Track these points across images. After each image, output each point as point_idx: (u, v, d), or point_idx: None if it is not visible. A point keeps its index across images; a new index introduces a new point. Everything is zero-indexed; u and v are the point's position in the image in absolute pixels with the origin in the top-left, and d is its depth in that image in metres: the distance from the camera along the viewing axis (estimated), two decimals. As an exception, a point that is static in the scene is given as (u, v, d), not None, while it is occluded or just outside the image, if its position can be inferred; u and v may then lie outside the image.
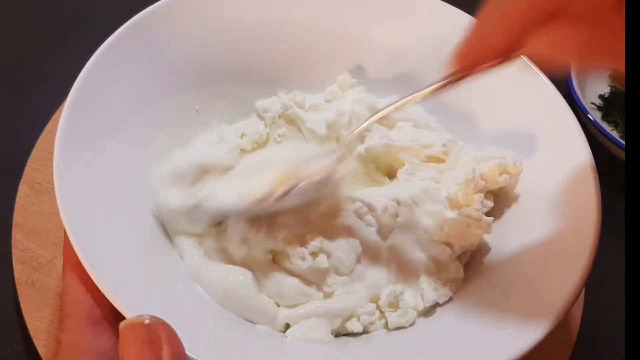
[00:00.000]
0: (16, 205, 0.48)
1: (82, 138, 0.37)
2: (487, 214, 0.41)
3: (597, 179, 0.37)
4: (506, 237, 0.41)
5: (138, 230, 0.39)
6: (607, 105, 0.59)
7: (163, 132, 0.44)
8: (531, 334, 0.32)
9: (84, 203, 0.35)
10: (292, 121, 0.47)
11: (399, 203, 0.40)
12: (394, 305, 0.39)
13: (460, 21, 0.42)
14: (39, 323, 0.42)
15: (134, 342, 0.26)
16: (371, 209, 0.40)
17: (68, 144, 0.36)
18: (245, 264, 0.39)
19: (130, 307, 0.31)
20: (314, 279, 0.39)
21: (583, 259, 0.34)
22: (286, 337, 0.38)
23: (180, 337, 0.30)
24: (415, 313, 0.39)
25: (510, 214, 0.42)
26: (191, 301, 0.38)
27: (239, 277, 0.39)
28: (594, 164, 0.38)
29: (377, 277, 0.40)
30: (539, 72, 0.43)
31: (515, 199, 0.42)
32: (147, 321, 0.26)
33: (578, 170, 0.38)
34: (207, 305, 0.38)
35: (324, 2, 0.47)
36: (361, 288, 0.40)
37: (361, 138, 0.44)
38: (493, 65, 0.32)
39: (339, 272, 0.40)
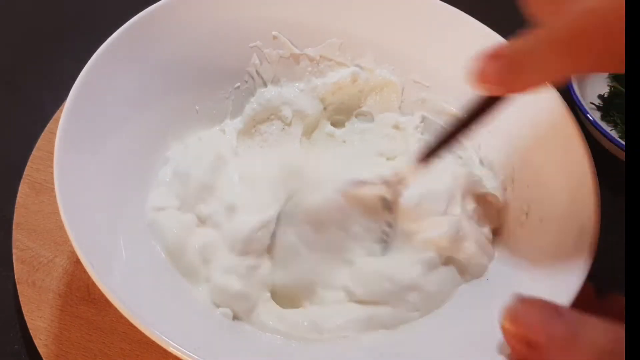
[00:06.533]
0: (17, 205, 0.48)
1: (82, 138, 0.37)
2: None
3: (597, 179, 0.37)
4: (505, 237, 0.41)
5: (138, 230, 0.39)
6: (607, 105, 0.59)
7: (163, 132, 0.44)
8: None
9: (84, 203, 0.35)
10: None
11: None
12: None
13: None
14: (39, 323, 0.42)
15: None
16: None
17: (68, 144, 0.36)
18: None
19: (131, 307, 0.31)
20: None
21: (582, 258, 0.34)
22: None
23: (178, 336, 0.30)
24: None
25: (509, 214, 0.42)
26: (192, 303, 0.38)
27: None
28: (593, 164, 0.38)
29: None
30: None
31: (513, 199, 0.42)
32: None
33: (577, 170, 0.38)
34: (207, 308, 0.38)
35: (329, 2, 0.47)
36: None
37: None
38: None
39: None
